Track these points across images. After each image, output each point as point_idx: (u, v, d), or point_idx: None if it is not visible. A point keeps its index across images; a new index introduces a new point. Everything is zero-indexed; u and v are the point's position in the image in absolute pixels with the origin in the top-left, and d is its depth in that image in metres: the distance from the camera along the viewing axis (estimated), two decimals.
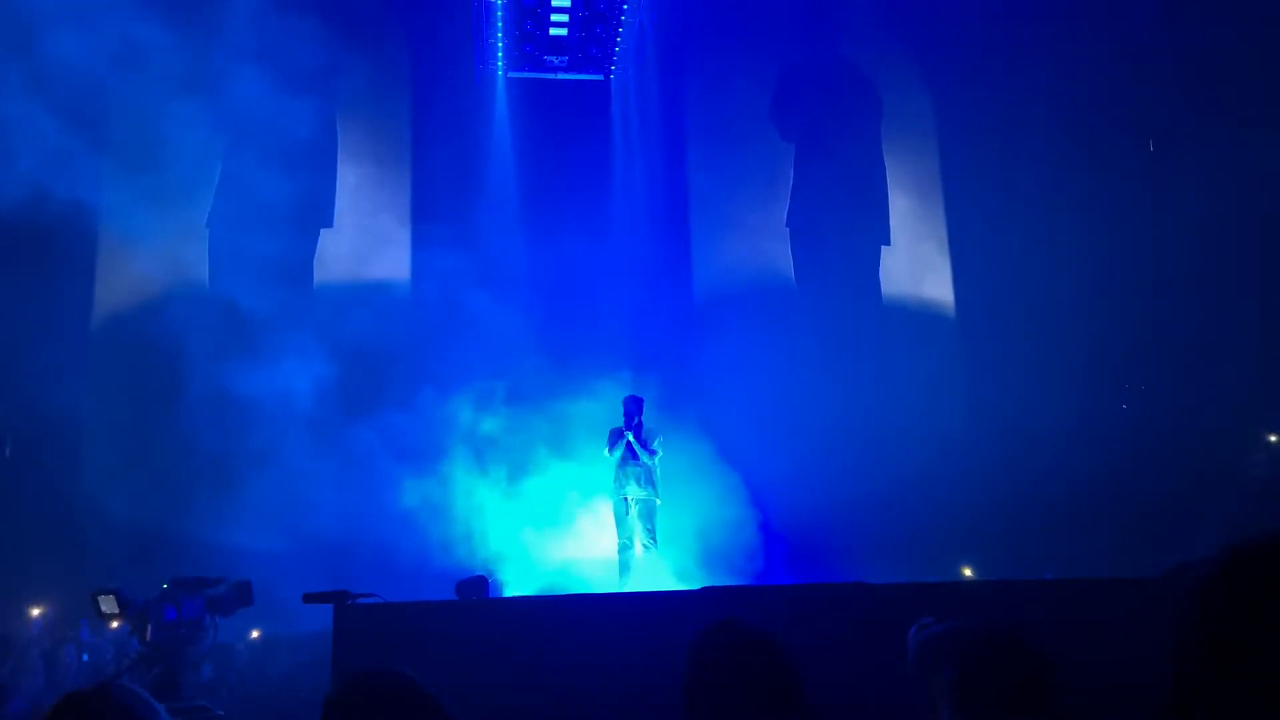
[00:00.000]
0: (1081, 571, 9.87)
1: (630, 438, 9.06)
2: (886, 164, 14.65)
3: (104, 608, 4.15)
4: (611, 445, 9.19)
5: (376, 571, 8.16)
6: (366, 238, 13.27)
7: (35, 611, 9.30)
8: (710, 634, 2.35)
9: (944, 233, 14.51)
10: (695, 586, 7.14)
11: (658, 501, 9.11)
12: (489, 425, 10.27)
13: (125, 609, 4.17)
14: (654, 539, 9.01)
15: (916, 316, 14.27)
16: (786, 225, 14.25)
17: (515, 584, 9.46)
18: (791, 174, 14.42)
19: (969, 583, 9.66)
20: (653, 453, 9.06)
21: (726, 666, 2.26)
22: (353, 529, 10.10)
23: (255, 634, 9.38)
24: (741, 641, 2.29)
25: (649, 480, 9.07)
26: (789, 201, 14.35)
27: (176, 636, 4.25)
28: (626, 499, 9.03)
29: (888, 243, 14.42)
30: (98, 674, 7.70)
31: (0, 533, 9.68)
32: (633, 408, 9.19)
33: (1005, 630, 2.24)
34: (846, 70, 14.76)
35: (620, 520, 9.11)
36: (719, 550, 9.78)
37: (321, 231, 13.15)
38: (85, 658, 8.44)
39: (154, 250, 12.56)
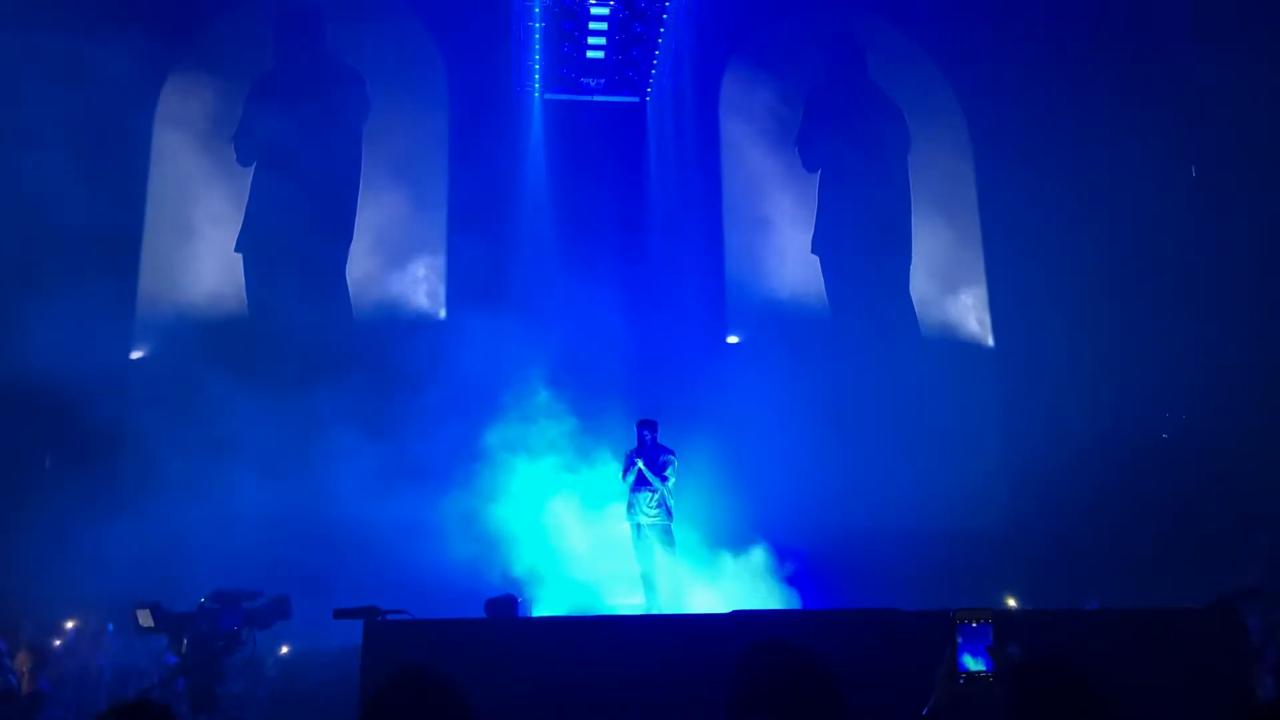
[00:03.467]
0: (1123, 600, 9.66)
1: (641, 464, 9.02)
2: (921, 187, 14.54)
3: (141, 621, 4.18)
4: (625, 471, 9.15)
5: (406, 589, 8.15)
6: (402, 258, 13.38)
7: (70, 623, 9.39)
8: (756, 653, 2.35)
9: (980, 256, 14.36)
10: (724, 610, 7.08)
11: (671, 524, 9.05)
12: (520, 445, 10.26)
13: (163, 622, 4.20)
14: (671, 563, 8.95)
15: (952, 342, 14.11)
16: (819, 249, 14.17)
17: (544, 603, 9.42)
18: (827, 197, 14.34)
19: (1007, 611, 9.48)
20: (664, 478, 9.01)
21: (772, 685, 2.26)
22: (383, 546, 10.12)
23: (285, 650, 9.40)
24: (787, 661, 2.29)
25: (662, 504, 9.02)
26: (822, 226, 14.27)
27: (214, 650, 4.27)
28: (640, 524, 8.98)
29: (923, 267, 14.29)
30: (133, 685, 7.74)
31: (38, 543, 9.81)
32: (645, 431, 9.15)
33: (1054, 660, 2.22)
34: (880, 94, 14.72)
35: (636, 545, 9.06)
36: (749, 574, 9.68)
37: (356, 252, 13.28)
38: (105, 669, 8.51)
39: (194, 266, 12.79)
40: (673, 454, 9.21)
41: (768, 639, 2.37)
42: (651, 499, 8.98)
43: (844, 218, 14.17)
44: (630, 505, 9.09)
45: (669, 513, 9.05)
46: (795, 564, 9.75)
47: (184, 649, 4.24)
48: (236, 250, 12.86)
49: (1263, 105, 11.97)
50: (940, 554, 11.36)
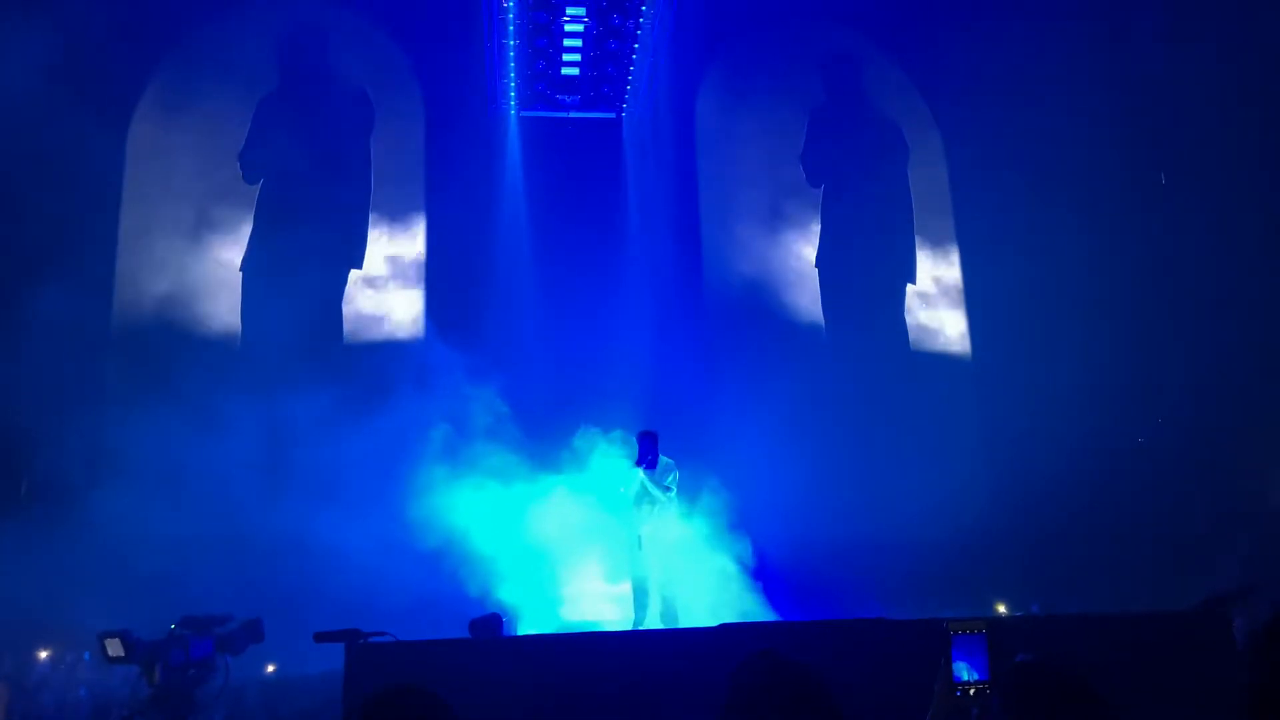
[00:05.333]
0: (1107, 605, 9.67)
1: (644, 474, 8.98)
2: (899, 200, 14.63)
3: (110, 651, 4.04)
4: (626, 482, 9.11)
5: (389, 610, 8.04)
6: (379, 277, 13.31)
7: (44, 654, 9.20)
8: (751, 664, 2.30)
9: (958, 267, 14.46)
10: (711, 624, 7.02)
11: (672, 538, 8.99)
12: (502, 464, 10.17)
13: (132, 651, 4.07)
14: (669, 576, 8.89)
15: (932, 350, 14.18)
16: (809, 263, 14.22)
17: (530, 622, 9.32)
18: (806, 211, 14.40)
19: (1000, 619, 9.48)
20: (666, 489, 8.98)
21: (768, 696, 2.21)
22: (364, 567, 10.00)
23: (271, 668, 9.26)
24: (783, 672, 2.24)
25: (663, 517, 8.97)
26: (805, 239, 14.32)
27: (186, 678, 4.15)
28: (641, 535, 8.92)
29: (910, 281, 14.37)
30: (114, 717, 7.57)
31: (12, 571, 9.62)
32: (647, 443, 9.11)
33: (1051, 667, 2.19)
34: (854, 108, 14.82)
35: (634, 558, 8.99)
36: (732, 587, 9.64)
37: (333, 272, 13.19)
38: (84, 700, 8.33)
39: (175, 291, 12.67)
40: (673, 464, 9.17)
41: (763, 651, 2.32)
42: (652, 510, 8.93)
43: (828, 231, 14.24)
44: (630, 516, 9.02)
45: (669, 525, 9.00)
46: (772, 573, 9.72)
47: (156, 678, 4.09)
48: (241, 270, 12.83)
49: (1232, 109, 12.13)
50: (923, 561, 11.37)
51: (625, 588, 9.27)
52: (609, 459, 9.78)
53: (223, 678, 4.31)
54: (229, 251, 13.01)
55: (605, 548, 9.81)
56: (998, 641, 2.76)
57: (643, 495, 8.99)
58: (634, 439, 9.27)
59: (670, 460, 9.24)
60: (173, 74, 13.10)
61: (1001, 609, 11.12)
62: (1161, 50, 12.69)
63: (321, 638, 5.47)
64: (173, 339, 12.32)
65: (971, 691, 2.71)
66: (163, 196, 12.94)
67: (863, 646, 5.06)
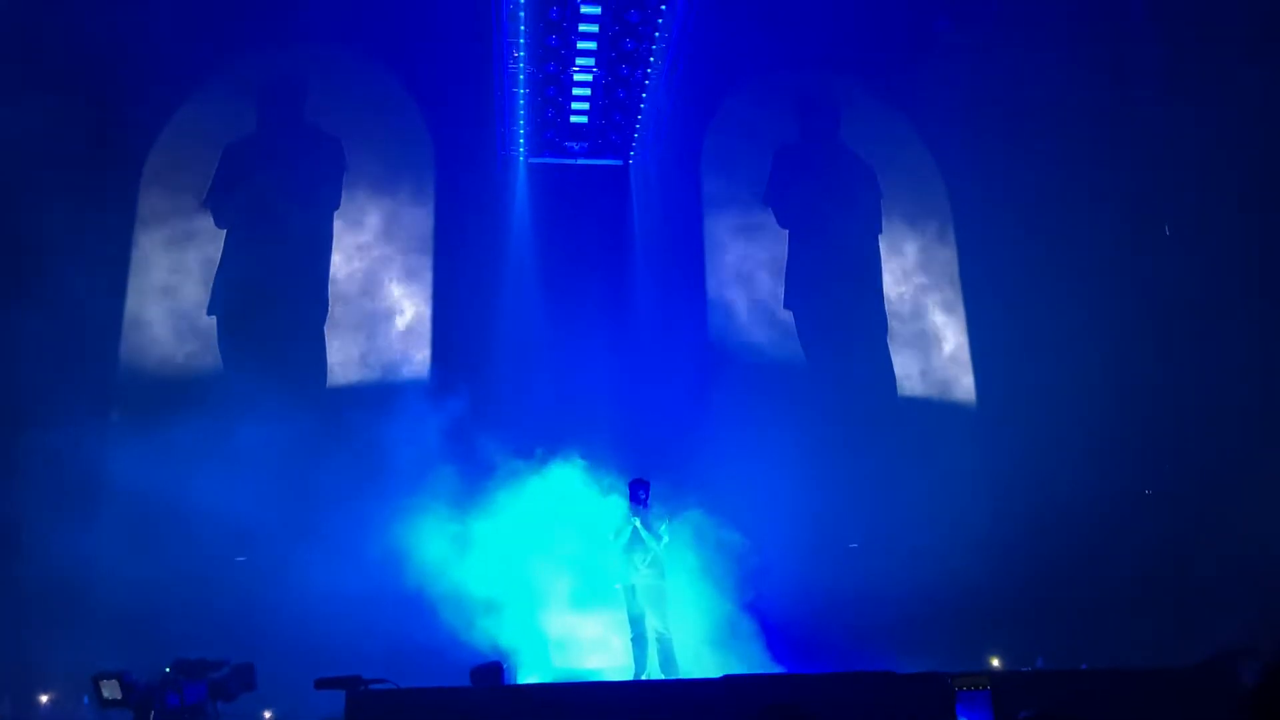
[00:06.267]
0: (1112, 659, 9.58)
1: (638, 523, 8.96)
2: (904, 248, 14.73)
3: (106, 693, 4.01)
4: (618, 530, 9.09)
5: (390, 657, 8.00)
6: (387, 322, 13.38)
7: (44, 698, 9.13)
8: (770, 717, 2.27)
9: (962, 315, 14.50)
10: (712, 675, 6.97)
11: (666, 586, 8.95)
12: (504, 509, 10.17)
13: (129, 694, 4.03)
14: (667, 624, 8.83)
15: (935, 401, 14.17)
16: (794, 308, 14.25)
17: (531, 671, 9.25)
18: (815, 259, 14.44)
19: (998, 672, 9.38)
20: (659, 537, 8.95)
21: None
22: (364, 613, 9.95)
23: (268, 715, 9.19)
24: None
25: (656, 565, 8.94)
26: (813, 287, 14.36)
27: None
28: (634, 585, 8.88)
29: (903, 326, 14.41)
30: None
31: (11, 617, 9.59)
32: (639, 491, 9.10)
33: None
34: (856, 154, 14.97)
35: (629, 606, 8.95)
36: (730, 638, 9.58)
37: (342, 315, 13.26)
38: None
39: (164, 334, 12.71)
40: (666, 513, 9.16)
41: (780, 705, 2.30)
42: (645, 558, 8.89)
43: (822, 272, 14.30)
44: (624, 565, 8.98)
45: (663, 572, 8.96)
46: (770, 622, 9.67)
47: None
48: (209, 313, 12.80)
49: (1230, 149, 12.22)
50: (926, 613, 11.28)
51: (623, 637, 9.20)
52: (605, 505, 9.79)
53: None
54: (226, 290, 13.05)
55: (603, 593, 9.78)
56: (1002, 697, 2.75)
57: (635, 542, 8.97)
58: (627, 487, 9.28)
59: (664, 508, 9.24)
60: (182, 123, 13.25)
61: (995, 662, 11.01)
62: (1162, 87, 12.85)
63: (323, 684, 5.44)
64: (162, 376, 12.38)
65: None
66: (162, 237, 13.03)
67: (867, 700, 5.02)
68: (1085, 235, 13.09)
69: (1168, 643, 9.54)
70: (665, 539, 9.02)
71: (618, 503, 9.53)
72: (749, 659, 9.26)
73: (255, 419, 11.13)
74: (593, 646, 9.85)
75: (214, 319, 12.80)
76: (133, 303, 12.70)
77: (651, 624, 8.77)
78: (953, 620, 11.33)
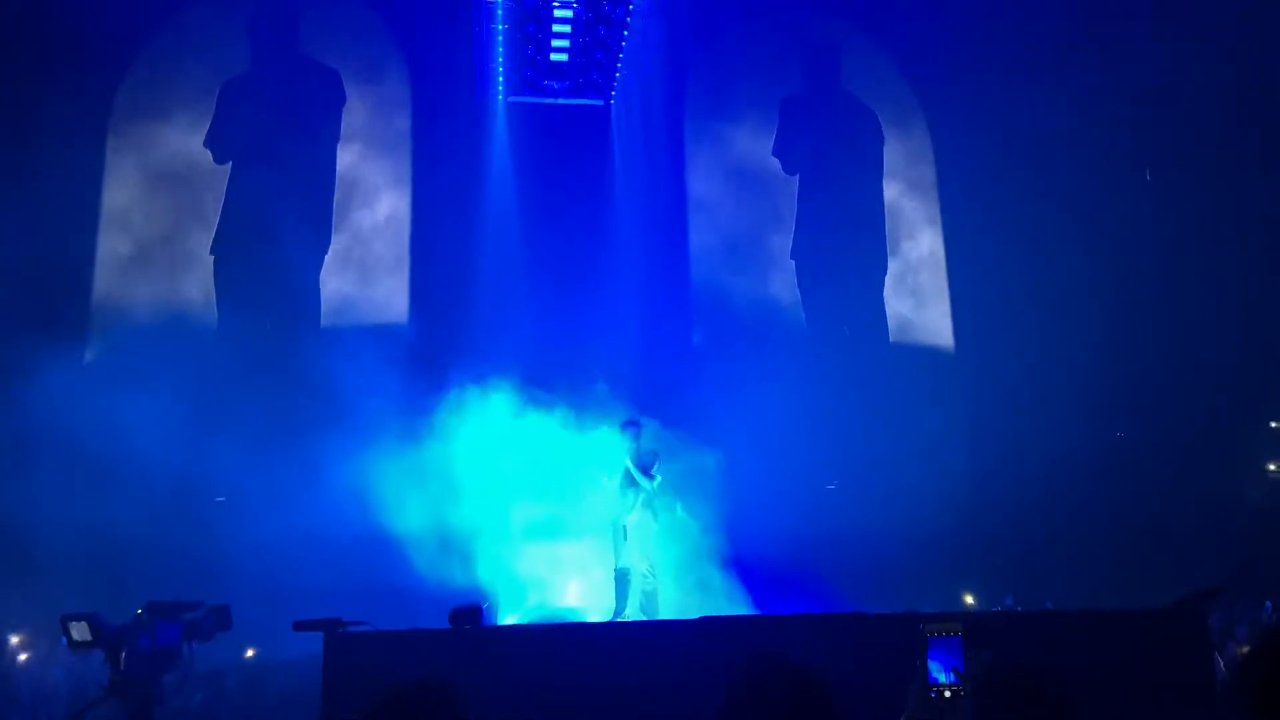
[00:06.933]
0: (1083, 600, 9.74)
1: (629, 462, 8.97)
2: (886, 195, 14.66)
3: (75, 635, 3.94)
4: (611, 470, 9.10)
5: (371, 598, 8.02)
6: (366, 264, 13.24)
7: (15, 639, 9.14)
8: (756, 669, 2.25)
9: (943, 264, 14.49)
10: (691, 616, 7.03)
11: (655, 527, 8.99)
12: (487, 450, 10.15)
13: (99, 636, 3.97)
14: (652, 566, 8.89)
15: (917, 346, 14.22)
16: (791, 257, 14.23)
17: (511, 611, 9.31)
18: (794, 204, 14.40)
19: (972, 614, 9.54)
20: (651, 478, 8.97)
21: (772, 698, 2.17)
22: (344, 555, 9.97)
23: (251, 652, 9.25)
24: (787, 674, 2.19)
25: (647, 505, 8.96)
26: (791, 232, 14.32)
27: (153, 665, 4.06)
28: (625, 525, 8.91)
29: (888, 275, 14.40)
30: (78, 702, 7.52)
31: None
32: (632, 431, 9.10)
33: (1023, 671, 2.19)
34: (845, 98, 14.81)
35: (618, 546, 8.98)
36: (712, 580, 9.66)
37: (322, 259, 13.12)
38: (61, 683, 8.28)
39: (151, 272, 12.57)
40: (657, 453, 9.16)
41: (765, 651, 2.28)
42: (637, 499, 8.92)
43: (813, 225, 14.24)
44: (614, 505, 9.01)
45: (654, 513, 8.99)
46: (749, 564, 9.75)
47: (121, 665, 3.99)
48: (211, 252, 12.71)
49: (1217, 106, 12.18)
50: (901, 554, 11.43)
51: (604, 575, 9.27)
52: (593, 445, 9.78)
53: (187, 668, 4.21)
54: (202, 236, 12.89)
55: (587, 534, 9.82)
56: (974, 643, 2.76)
57: (627, 483, 8.98)
58: (618, 427, 9.28)
59: (655, 449, 9.24)
60: (154, 58, 13.00)
61: (969, 600, 11.19)
62: (1157, 42, 12.73)
63: (301, 626, 5.44)
64: (147, 322, 12.25)
65: (947, 694, 2.71)
66: (140, 180, 12.84)
67: (841, 641, 5.08)
68: (1074, 183, 13.06)
69: (1141, 585, 9.71)
70: (657, 479, 9.03)
71: (604, 441, 9.52)
72: (727, 599, 9.37)
73: (232, 355, 11.07)
74: (572, 585, 9.92)
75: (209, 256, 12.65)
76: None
77: (638, 564, 8.82)
78: (926, 562, 11.49)
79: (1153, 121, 13.02)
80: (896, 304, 14.38)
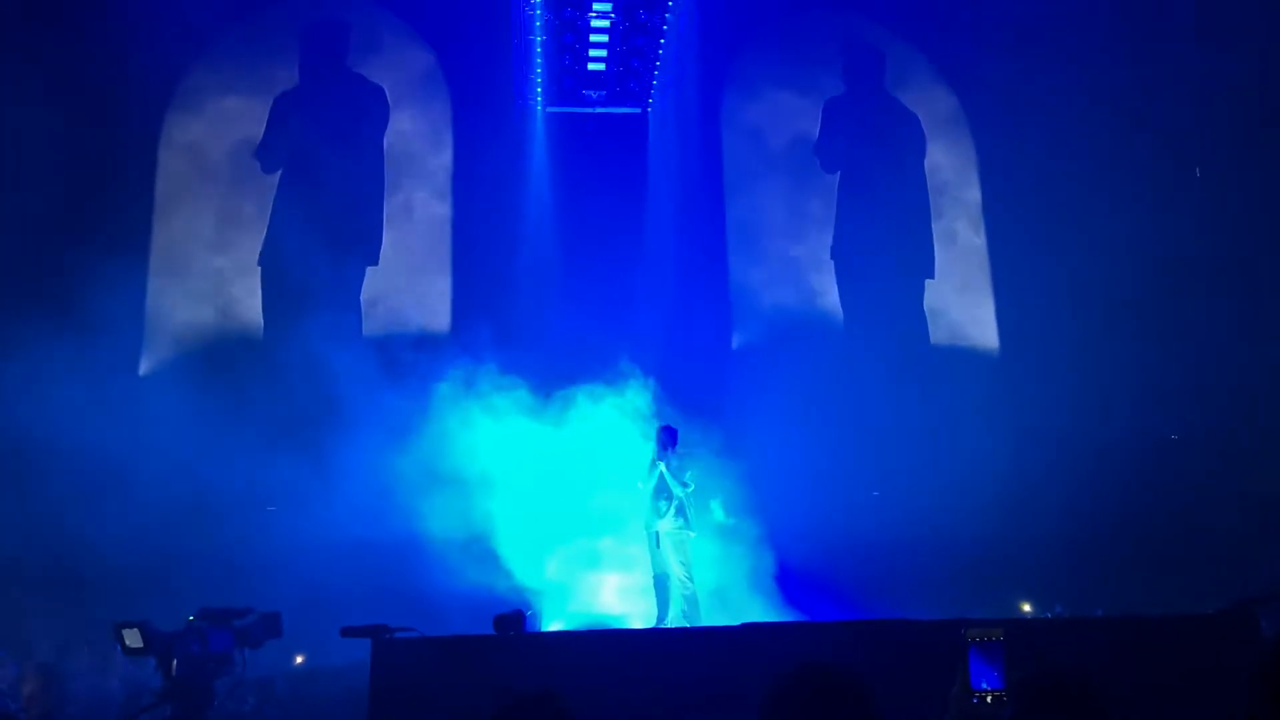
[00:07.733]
0: (1137, 605, 9.57)
1: (664, 469, 8.99)
2: (922, 196, 14.53)
3: (128, 642, 4.03)
4: (645, 476, 9.13)
5: (415, 605, 8.12)
6: (406, 273, 13.42)
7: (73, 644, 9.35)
8: (798, 673, 2.25)
9: (986, 263, 14.33)
10: (733, 623, 7.03)
11: (690, 535, 9.00)
12: (528, 458, 10.24)
13: (151, 643, 4.05)
14: (689, 572, 8.89)
15: (960, 347, 14.06)
16: (830, 258, 14.16)
17: (553, 618, 9.37)
18: (832, 208, 14.33)
19: (1019, 623, 9.41)
20: (685, 484, 8.98)
21: (817, 709, 2.17)
22: (391, 562, 10.09)
23: (300, 659, 9.38)
24: (832, 683, 2.20)
25: (681, 513, 8.97)
26: (830, 236, 14.26)
27: (204, 671, 4.14)
28: (658, 532, 8.93)
29: (930, 275, 14.26)
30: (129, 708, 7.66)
31: (42, 565, 9.80)
32: (667, 438, 9.12)
33: (1062, 677, 2.18)
34: (885, 102, 14.72)
35: (653, 553, 9.01)
36: (755, 587, 9.65)
37: (365, 269, 13.33)
38: (118, 690, 8.44)
39: (194, 285, 12.87)
40: (692, 459, 9.18)
41: (811, 663, 2.28)
42: (670, 506, 8.93)
43: (852, 225, 14.16)
44: (649, 511, 9.04)
45: (688, 521, 9.00)
46: (790, 570, 9.72)
47: (173, 671, 4.08)
48: (259, 264, 13.05)
49: (1267, 100, 11.95)
50: (946, 560, 11.29)
51: (645, 581, 9.29)
52: (630, 452, 9.82)
53: (240, 673, 4.29)
54: (249, 244, 13.17)
55: (627, 540, 9.86)
56: (1016, 648, 2.75)
57: (661, 489, 9.00)
58: (654, 433, 9.31)
59: (690, 455, 9.26)
60: (199, 74, 13.32)
61: (1026, 608, 11.04)
62: (1196, 34, 12.53)
63: (349, 632, 5.54)
64: (192, 331, 12.54)
65: (989, 699, 2.70)
66: (186, 191, 13.17)
67: (885, 647, 5.06)
68: (1113, 183, 12.87)
69: (1192, 590, 9.52)
70: (691, 486, 9.04)
71: (644, 448, 9.55)
72: (769, 605, 9.34)
73: (274, 362, 11.27)
74: (616, 593, 9.95)
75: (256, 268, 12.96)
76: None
77: (676, 571, 8.83)
78: (974, 570, 11.34)
79: (1203, 118, 12.78)
80: (939, 305, 14.23)
